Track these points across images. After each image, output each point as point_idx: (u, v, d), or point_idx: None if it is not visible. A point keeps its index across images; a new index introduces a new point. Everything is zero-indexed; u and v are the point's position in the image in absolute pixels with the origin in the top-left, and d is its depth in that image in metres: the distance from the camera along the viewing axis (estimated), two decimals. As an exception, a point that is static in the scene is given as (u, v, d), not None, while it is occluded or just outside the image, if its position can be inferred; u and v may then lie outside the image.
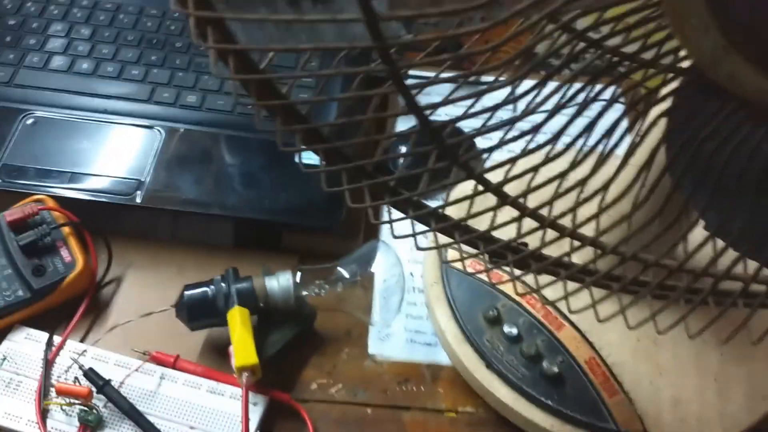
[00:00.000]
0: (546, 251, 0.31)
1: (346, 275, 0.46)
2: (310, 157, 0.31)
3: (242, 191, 0.51)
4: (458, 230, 0.32)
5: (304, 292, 0.46)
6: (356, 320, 0.48)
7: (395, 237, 0.33)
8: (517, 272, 0.33)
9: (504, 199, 0.28)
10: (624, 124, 0.26)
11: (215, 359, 0.46)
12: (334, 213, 0.50)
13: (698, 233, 0.27)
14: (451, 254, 0.40)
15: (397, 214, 0.32)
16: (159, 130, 0.52)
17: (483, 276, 0.45)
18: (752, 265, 0.28)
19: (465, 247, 0.33)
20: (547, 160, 0.26)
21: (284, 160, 0.52)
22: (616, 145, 0.26)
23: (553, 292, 0.34)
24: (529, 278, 0.33)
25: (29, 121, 0.51)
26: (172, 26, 0.59)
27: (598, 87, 0.27)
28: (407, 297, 0.50)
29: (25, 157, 0.50)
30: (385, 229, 0.52)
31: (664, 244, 0.28)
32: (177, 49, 0.57)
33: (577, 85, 0.26)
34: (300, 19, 0.22)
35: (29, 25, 0.57)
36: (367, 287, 0.47)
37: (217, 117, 0.54)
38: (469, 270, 0.45)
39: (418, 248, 0.33)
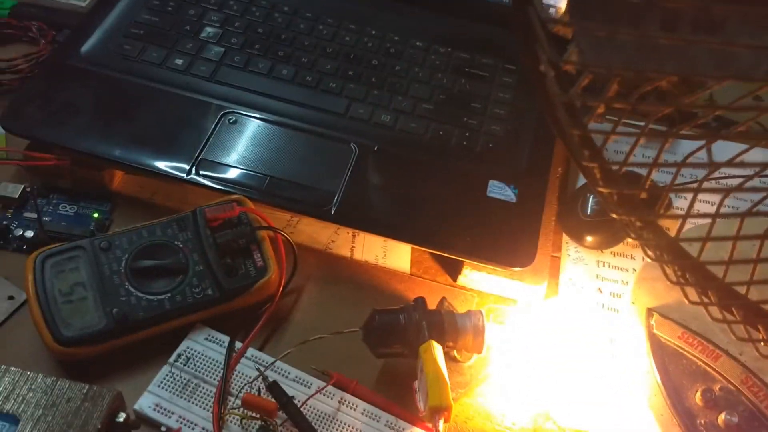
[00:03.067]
0: None
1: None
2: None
3: (428, 220, 0.49)
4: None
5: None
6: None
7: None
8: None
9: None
10: None
11: (392, 392, 0.44)
12: (524, 256, 0.48)
13: None
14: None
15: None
16: (353, 146, 0.51)
17: (698, 353, 0.41)
18: None
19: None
20: None
21: (477, 192, 0.50)
22: None
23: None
24: None
25: (231, 120, 0.51)
26: (369, 43, 0.58)
27: None
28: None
29: (223, 154, 0.49)
30: (564, 279, 0.50)
31: None
32: (373, 66, 0.56)
33: None
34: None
35: (232, 23, 0.57)
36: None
37: (411, 139, 0.52)
38: (683, 345, 0.42)
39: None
